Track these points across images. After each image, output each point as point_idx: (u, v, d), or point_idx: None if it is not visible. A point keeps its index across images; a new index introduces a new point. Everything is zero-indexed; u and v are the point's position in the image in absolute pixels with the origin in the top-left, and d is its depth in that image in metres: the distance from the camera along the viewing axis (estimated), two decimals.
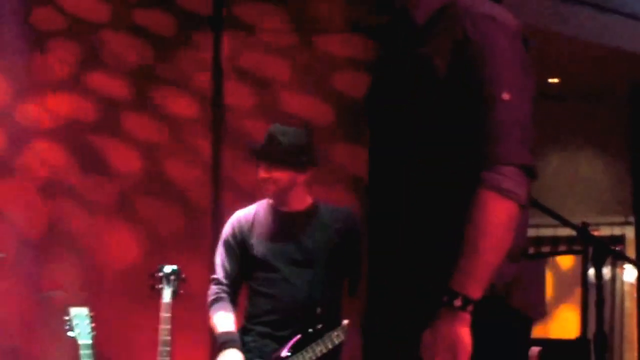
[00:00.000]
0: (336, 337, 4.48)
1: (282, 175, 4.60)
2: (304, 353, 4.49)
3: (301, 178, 4.66)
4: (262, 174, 4.63)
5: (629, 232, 8.24)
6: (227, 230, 4.77)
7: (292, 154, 4.60)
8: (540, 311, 7.22)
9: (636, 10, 7.21)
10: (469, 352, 2.48)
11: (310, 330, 4.51)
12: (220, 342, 4.61)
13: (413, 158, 2.64)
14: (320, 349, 4.48)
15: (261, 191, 4.72)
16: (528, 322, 2.67)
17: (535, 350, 2.28)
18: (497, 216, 2.48)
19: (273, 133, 4.65)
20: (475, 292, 2.47)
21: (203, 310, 5.28)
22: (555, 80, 8.01)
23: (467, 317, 2.47)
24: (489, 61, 2.54)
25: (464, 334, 2.47)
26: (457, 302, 2.47)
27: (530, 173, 2.52)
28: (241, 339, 4.62)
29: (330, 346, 4.48)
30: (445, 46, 2.59)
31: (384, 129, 2.74)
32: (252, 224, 4.73)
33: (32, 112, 6.20)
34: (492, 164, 2.49)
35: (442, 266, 2.52)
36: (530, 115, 2.55)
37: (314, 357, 4.49)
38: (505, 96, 2.51)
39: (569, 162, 8.40)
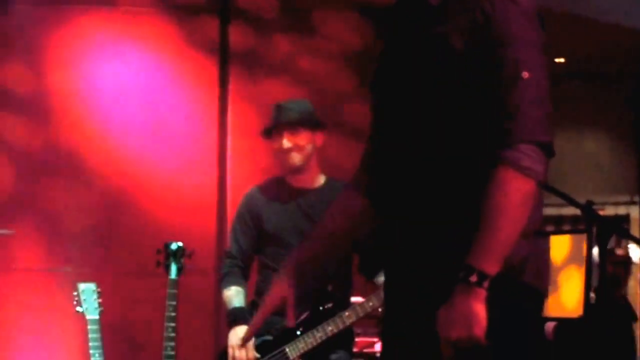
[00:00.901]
0: (347, 317, 4.48)
1: (304, 138, 4.64)
2: (315, 332, 4.50)
3: (318, 140, 4.69)
4: (286, 143, 4.65)
5: (634, 212, 8.27)
6: (242, 204, 4.82)
7: (308, 115, 4.67)
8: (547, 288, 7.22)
9: None
10: (484, 327, 2.48)
11: (320, 308, 4.55)
12: (230, 319, 4.66)
13: (426, 138, 2.64)
14: (331, 328, 4.48)
15: (283, 166, 4.73)
16: (541, 298, 2.68)
17: (550, 325, 2.29)
18: (516, 194, 2.49)
19: (281, 105, 4.71)
20: (492, 268, 2.49)
21: (209, 285, 5.34)
22: (562, 59, 8.02)
23: (483, 292, 2.48)
24: (509, 40, 2.56)
25: (480, 309, 2.48)
26: (473, 278, 2.48)
27: (549, 151, 2.53)
28: (250, 313, 4.64)
29: (341, 326, 4.48)
30: (462, 26, 2.60)
31: (393, 110, 2.74)
32: (265, 200, 4.76)
33: None
34: (513, 142, 2.50)
35: (456, 242, 2.55)
36: (549, 94, 2.57)
37: (324, 337, 4.49)
38: (526, 75, 2.53)
39: (575, 141, 8.41)
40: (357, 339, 4.92)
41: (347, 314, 4.49)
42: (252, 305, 4.71)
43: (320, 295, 4.54)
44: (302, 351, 4.51)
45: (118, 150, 6.39)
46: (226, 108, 6.57)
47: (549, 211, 2.84)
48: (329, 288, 4.52)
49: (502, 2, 2.59)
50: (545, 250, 2.74)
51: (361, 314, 4.48)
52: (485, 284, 2.48)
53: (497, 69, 2.55)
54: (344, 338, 4.65)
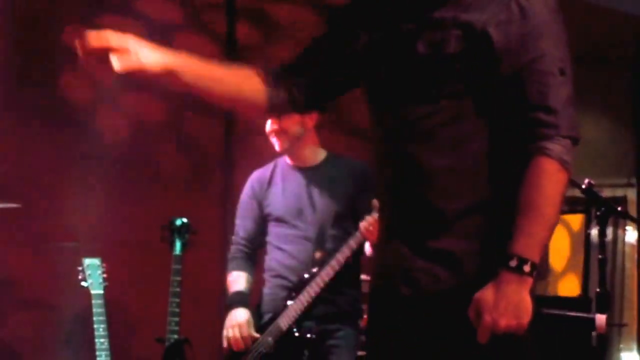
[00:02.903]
0: (326, 274, 4.55)
1: (289, 121, 4.66)
2: (300, 297, 4.58)
3: (309, 122, 4.72)
4: (270, 126, 4.71)
5: (631, 194, 8.29)
6: (245, 189, 4.88)
7: None
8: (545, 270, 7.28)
9: None
10: (530, 316, 2.55)
11: (305, 275, 4.60)
12: (228, 303, 4.73)
13: (452, 130, 2.68)
14: (313, 290, 4.56)
15: (276, 150, 4.78)
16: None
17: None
18: (559, 185, 2.58)
19: None
20: (538, 256, 2.56)
21: (213, 260, 5.37)
22: None
23: (531, 281, 2.55)
24: (547, 35, 2.64)
25: (529, 299, 2.55)
26: (527, 268, 2.54)
27: (576, 146, 2.63)
28: (262, 293, 4.77)
29: (322, 285, 4.54)
30: (500, 17, 2.65)
31: (405, 97, 2.75)
32: (268, 182, 4.81)
33: None
34: (555, 135, 2.59)
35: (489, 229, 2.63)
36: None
37: (309, 299, 4.56)
38: (563, 70, 2.63)
39: None
40: (365, 316, 4.97)
41: (325, 272, 4.55)
42: (267, 286, 4.78)
43: (307, 264, 4.60)
44: (292, 319, 4.58)
45: (126, 127, 6.39)
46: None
47: None
48: (316, 255, 4.56)
49: None
50: None
51: (337, 268, 4.54)
52: (527, 268, 2.54)
53: (535, 63, 2.63)
54: (350, 315, 4.70)
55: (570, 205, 7.34)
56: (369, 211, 4.48)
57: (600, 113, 8.53)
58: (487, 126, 2.66)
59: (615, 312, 8.00)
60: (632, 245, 8.23)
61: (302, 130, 4.70)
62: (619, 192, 8.26)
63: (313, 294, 4.55)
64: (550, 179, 2.58)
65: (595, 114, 8.53)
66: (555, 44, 2.65)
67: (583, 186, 4.66)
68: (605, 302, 4.63)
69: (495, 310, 2.52)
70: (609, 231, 7.63)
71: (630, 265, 8.21)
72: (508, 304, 2.52)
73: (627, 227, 8.21)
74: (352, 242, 4.51)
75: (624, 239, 8.26)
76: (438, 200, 2.66)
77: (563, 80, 2.63)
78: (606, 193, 7.92)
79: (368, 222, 4.45)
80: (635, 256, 8.09)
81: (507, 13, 2.65)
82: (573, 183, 4.51)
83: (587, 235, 7.20)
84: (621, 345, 7.94)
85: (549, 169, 2.58)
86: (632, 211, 8.02)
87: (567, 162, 2.58)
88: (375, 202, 4.38)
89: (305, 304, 4.55)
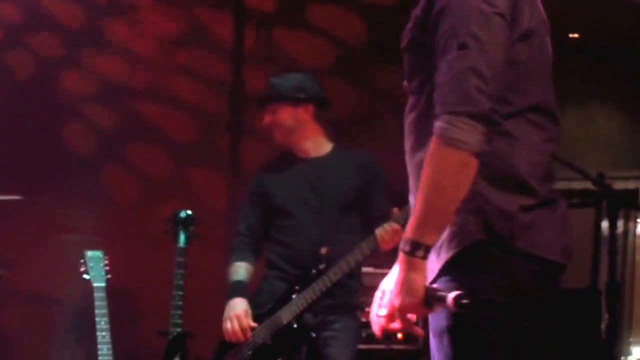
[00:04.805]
0: (334, 275, 4.50)
1: (281, 115, 4.69)
2: (305, 294, 4.54)
3: (303, 114, 4.71)
4: (266, 119, 4.75)
5: None
6: (251, 183, 4.88)
7: (288, 90, 4.69)
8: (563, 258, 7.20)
9: None
10: (420, 297, 2.51)
11: (313, 270, 4.55)
12: (227, 293, 4.71)
13: (420, 119, 2.68)
14: (319, 287, 4.51)
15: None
16: (545, 265, 2.62)
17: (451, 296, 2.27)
18: (444, 164, 2.47)
19: (270, 80, 4.77)
20: (425, 237, 2.50)
21: (218, 253, 5.33)
22: (576, 35, 7.97)
23: (418, 262, 2.51)
24: (445, 13, 2.55)
25: (415, 278, 2.51)
26: (406, 247, 2.51)
27: (486, 120, 2.49)
28: (260, 284, 4.73)
29: (328, 284, 4.49)
30: (425, 4, 2.63)
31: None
32: (273, 174, 4.81)
33: None
34: (443, 113, 2.49)
35: None
36: (500, 62, 2.53)
37: (314, 297, 4.52)
38: (464, 44, 2.50)
39: (585, 116, 8.37)
40: (367, 309, 4.92)
41: (333, 271, 4.50)
42: (264, 276, 4.75)
43: (313, 258, 4.54)
44: (294, 313, 4.55)
45: (128, 118, 6.38)
46: (242, 77, 6.56)
47: (558, 185, 2.80)
48: (323, 251, 4.52)
49: None
50: (557, 219, 2.70)
51: (346, 270, 4.49)
52: (420, 253, 2.50)
53: (437, 42, 2.56)
54: (350, 307, 4.66)
55: (581, 198, 7.29)
56: (382, 210, 4.47)
57: (612, 105, 8.49)
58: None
59: (625, 305, 7.96)
60: None
61: (294, 123, 4.70)
62: (630, 185, 8.20)
63: (318, 292, 4.51)
64: (432, 158, 2.49)
65: (607, 106, 8.49)
66: (461, 17, 2.52)
67: (594, 178, 4.58)
68: (615, 294, 4.58)
69: (391, 292, 2.56)
70: (620, 223, 7.58)
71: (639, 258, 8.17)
72: (397, 285, 2.54)
73: (638, 220, 8.15)
74: (366, 248, 4.47)
75: (635, 231, 8.20)
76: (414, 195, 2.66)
77: (461, 54, 2.48)
78: (618, 185, 7.87)
79: (385, 231, 4.42)
80: None
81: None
82: (584, 175, 4.45)
83: (598, 227, 7.13)
84: (631, 339, 7.89)
85: (431, 149, 2.49)
86: None
87: (456, 139, 2.45)
88: (395, 210, 4.37)
89: (310, 301, 4.52)
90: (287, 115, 4.69)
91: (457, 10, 2.53)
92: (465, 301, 2.42)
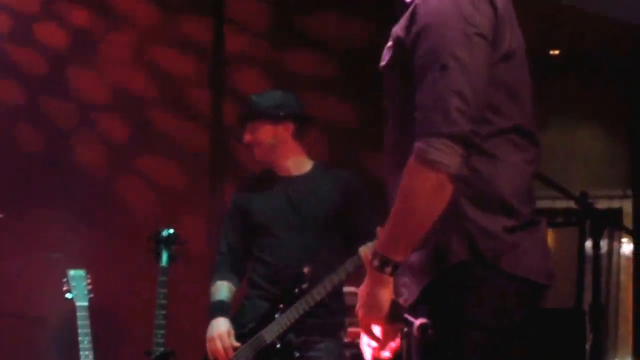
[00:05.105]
0: (317, 294, 4.47)
1: (261, 133, 4.67)
2: (288, 313, 4.51)
3: (282, 132, 4.69)
4: (246, 137, 4.72)
5: (627, 206, 8.24)
6: (231, 200, 4.86)
7: (268, 108, 4.66)
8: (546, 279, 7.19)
9: None
10: (384, 312, 2.54)
11: (295, 290, 4.53)
12: (210, 312, 4.68)
13: (401, 136, 2.66)
14: (303, 307, 4.48)
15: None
16: (529, 286, 2.62)
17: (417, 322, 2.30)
18: (420, 185, 2.47)
19: (249, 98, 4.76)
20: (395, 254, 2.52)
21: (200, 272, 5.32)
22: (556, 52, 8.00)
23: (385, 278, 2.53)
24: (432, 33, 2.53)
25: (381, 294, 2.54)
26: (375, 262, 2.53)
27: (466, 142, 2.47)
28: (242, 303, 4.70)
29: (312, 303, 4.46)
30: (406, 24, 2.62)
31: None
32: (253, 192, 4.79)
33: None
34: (422, 134, 2.48)
35: None
36: (482, 82, 2.52)
37: (297, 316, 4.49)
38: (445, 65, 2.48)
39: (568, 134, 8.38)
40: (349, 329, 4.91)
41: (316, 291, 4.47)
42: (245, 295, 4.73)
43: (296, 278, 4.52)
44: (277, 333, 4.52)
45: (110, 138, 6.38)
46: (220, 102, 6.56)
47: (541, 204, 2.80)
48: (305, 270, 4.50)
49: None
50: (539, 240, 2.70)
51: (329, 289, 4.46)
52: (389, 269, 2.52)
53: (418, 62, 2.54)
54: (333, 327, 4.64)
55: (564, 217, 7.30)
56: (365, 228, 4.46)
57: (596, 124, 8.51)
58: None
59: (610, 326, 7.96)
60: (627, 258, 8.18)
61: (274, 141, 4.68)
62: (615, 204, 8.22)
63: (302, 311, 4.48)
64: (408, 178, 2.49)
65: (592, 125, 8.51)
66: (442, 38, 2.51)
67: (577, 197, 4.58)
68: (599, 314, 4.58)
69: (358, 303, 2.61)
70: (604, 243, 7.59)
71: (625, 278, 8.17)
72: (361, 297, 2.59)
73: (623, 239, 8.16)
74: (350, 267, 4.45)
75: (619, 251, 8.22)
76: None
77: (443, 74, 2.47)
78: (602, 204, 7.89)
79: (369, 250, 4.40)
80: (631, 269, 8.05)
81: (409, 19, 2.60)
82: (567, 194, 4.44)
83: (581, 247, 7.14)
84: (616, 359, 7.89)
85: (408, 170, 2.49)
86: (628, 223, 7.98)
87: (434, 161, 2.44)
88: (380, 229, 4.35)
89: (293, 320, 4.49)
90: (267, 133, 4.67)
91: (438, 31, 2.52)
92: (430, 331, 2.46)
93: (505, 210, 2.59)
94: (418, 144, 2.47)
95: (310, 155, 4.80)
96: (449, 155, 2.45)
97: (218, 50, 6.58)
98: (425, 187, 2.46)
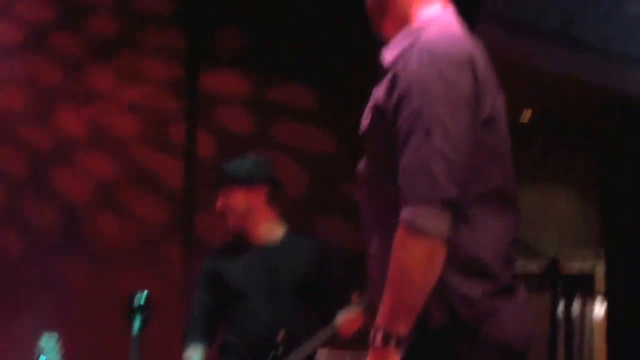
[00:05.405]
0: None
1: (234, 199, 4.69)
2: None
3: (255, 198, 4.71)
4: (219, 204, 4.73)
5: (599, 268, 8.27)
6: (204, 266, 4.84)
7: (238, 173, 4.69)
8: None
9: (607, 46, 7.27)
10: None
11: (270, 356, 4.51)
12: None
13: (374, 190, 2.69)
14: None
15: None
16: (509, 352, 2.63)
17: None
18: (412, 253, 2.46)
19: (221, 166, 4.79)
20: (398, 328, 2.49)
21: (173, 336, 5.29)
22: (529, 113, 8.06)
23: (390, 353, 2.49)
24: (410, 96, 2.54)
25: None
26: (378, 338, 2.49)
27: (454, 206, 2.49)
28: None
29: None
30: (387, 88, 2.62)
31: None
32: (226, 258, 4.79)
33: None
34: (409, 201, 2.48)
35: None
36: (466, 146, 2.52)
37: None
38: (429, 131, 2.49)
39: (540, 196, 8.42)
40: None
41: (290, 357, 4.47)
42: None
43: (269, 344, 4.51)
44: None
45: (83, 195, 6.37)
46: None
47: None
48: (279, 337, 4.50)
49: (418, 56, 2.57)
50: (518, 306, 2.70)
51: (304, 357, 4.48)
52: (393, 343, 2.48)
53: (401, 127, 2.54)
54: None
55: (537, 281, 7.32)
56: (340, 295, 4.47)
57: (569, 186, 8.56)
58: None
59: None
60: (599, 321, 8.19)
61: (248, 207, 4.70)
62: (587, 266, 8.24)
63: None
64: (399, 247, 2.47)
65: (564, 187, 8.56)
66: (427, 101, 2.51)
67: (549, 262, 4.61)
68: None
69: None
70: (576, 307, 7.60)
71: (598, 340, 8.17)
72: None
73: (595, 302, 8.18)
74: (324, 335, 4.47)
75: (591, 315, 8.22)
76: None
77: (428, 139, 2.47)
78: (574, 268, 7.92)
79: (344, 318, 4.43)
80: (604, 332, 8.06)
81: (390, 83, 2.61)
82: (540, 258, 4.48)
83: (554, 311, 7.16)
84: None
85: (399, 237, 2.48)
86: (601, 286, 8.00)
87: (423, 227, 2.44)
88: (355, 295, 4.38)
89: None
90: (240, 199, 4.69)
91: (422, 94, 2.52)
92: None
93: (485, 276, 2.59)
94: (406, 212, 2.47)
95: (283, 220, 4.81)
96: (439, 220, 2.45)
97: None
98: (418, 256, 2.46)
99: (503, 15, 6.39)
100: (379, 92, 2.66)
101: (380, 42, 2.79)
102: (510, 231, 2.68)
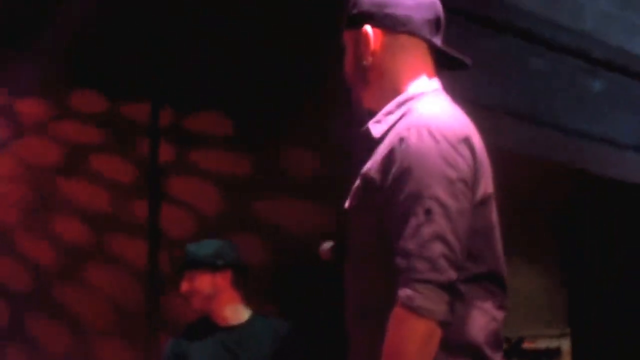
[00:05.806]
0: None
1: (199, 282, 4.67)
2: None
3: (221, 281, 4.69)
4: (183, 287, 4.72)
5: (565, 345, 8.26)
6: (168, 347, 4.81)
7: (206, 257, 4.66)
8: None
9: (570, 124, 7.32)
10: None
11: None
12: None
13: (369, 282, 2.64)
14: None
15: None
16: None
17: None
18: (410, 336, 2.42)
19: (187, 247, 4.76)
20: None
21: None
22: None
23: None
24: (408, 176, 2.51)
25: None
26: None
27: (452, 288, 2.46)
28: None
29: None
30: (382, 164, 2.59)
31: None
32: (191, 340, 4.76)
33: None
34: (407, 281, 2.44)
35: None
36: (465, 228, 2.50)
37: None
38: (429, 210, 2.46)
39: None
40: None
41: None
42: None
43: None
44: None
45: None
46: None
47: None
48: None
49: (415, 134, 2.55)
50: None
51: None
52: None
53: (398, 206, 2.50)
54: None
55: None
56: None
57: (533, 263, 8.57)
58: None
59: None
60: None
61: (213, 290, 4.67)
62: (553, 343, 8.22)
63: None
64: (396, 328, 2.44)
65: (528, 264, 8.56)
66: (425, 182, 2.48)
67: (512, 342, 4.59)
68: None
69: None
70: None
71: None
72: None
73: None
74: None
75: None
76: None
77: (427, 220, 2.44)
78: (540, 344, 7.89)
79: None
80: None
81: (386, 159, 2.58)
82: (505, 338, 4.45)
83: None
84: None
85: (396, 317, 2.44)
86: None
87: (421, 307, 2.40)
88: None
89: None
90: (205, 282, 4.68)
91: (420, 174, 2.49)
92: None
93: (477, 358, 2.56)
94: (404, 291, 2.43)
95: (248, 303, 4.78)
96: (437, 302, 2.42)
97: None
98: (414, 336, 2.42)
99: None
100: (370, 170, 2.64)
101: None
102: (501, 313, 2.65)
